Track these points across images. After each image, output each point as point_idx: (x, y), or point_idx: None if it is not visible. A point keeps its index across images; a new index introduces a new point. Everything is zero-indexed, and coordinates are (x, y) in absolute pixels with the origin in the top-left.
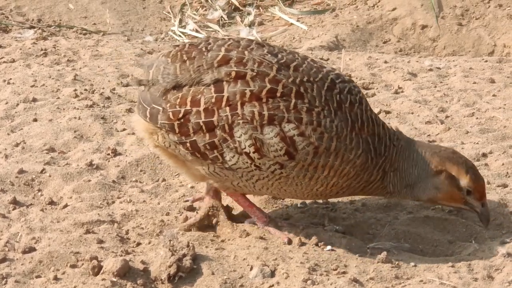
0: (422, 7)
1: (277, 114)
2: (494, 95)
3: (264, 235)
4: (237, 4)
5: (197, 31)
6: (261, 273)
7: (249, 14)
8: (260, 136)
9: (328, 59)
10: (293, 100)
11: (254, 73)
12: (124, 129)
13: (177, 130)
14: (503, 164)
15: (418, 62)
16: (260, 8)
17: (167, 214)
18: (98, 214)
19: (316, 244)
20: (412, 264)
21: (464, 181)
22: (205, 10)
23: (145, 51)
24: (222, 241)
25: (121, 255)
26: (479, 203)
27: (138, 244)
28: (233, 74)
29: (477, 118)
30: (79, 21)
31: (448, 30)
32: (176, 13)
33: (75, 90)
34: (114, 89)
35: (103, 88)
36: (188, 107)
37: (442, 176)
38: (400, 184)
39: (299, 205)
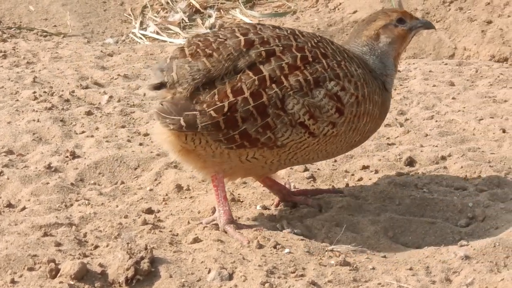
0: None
1: (319, 76)
2: (453, 98)
3: (222, 238)
4: (198, 6)
5: (158, 33)
6: (219, 276)
7: (210, 16)
8: (312, 100)
9: None
10: (323, 60)
11: (281, 47)
12: (83, 132)
13: (223, 126)
14: (462, 167)
15: None
16: (221, 10)
17: (126, 216)
18: (56, 217)
19: (274, 247)
20: (370, 267)
21: (392, 18)
22: (166, 12)
23: (105, 53)
24: (180, 243)
25: (79, 258)
26: (415, 21)
27: (96, 247)
28: (264, 54)
29: (436, 121)
30: (40, 23)
31: None
32: (137, 15)
33: (34, 92)
34: (73, 91)
35: (63, 91)
36: (232, 99)
37: (383, 36)
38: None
39: (258, 207)
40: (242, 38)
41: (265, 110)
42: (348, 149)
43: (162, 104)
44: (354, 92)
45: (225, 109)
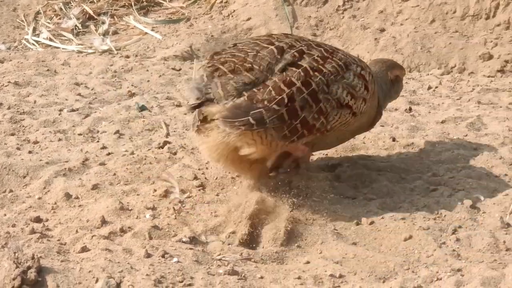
0: (276, 17)
1: (346, 60)
2: None
3: (110, 247)
4: (91, 13)
5: (51, 39)
6: (106, 285)
7: (103, 23)
8: (347, 81)
9: (180, 69)
10: (338, 51)
11: (305, 47)
12: None
13: (286, 117)
14: (351, 176)
15: None
16: (114, 17)
17: (13, 225)
18: None
19: (163, 256)
20: (259, 276)
21: (402, 74)
22: (59, 18)
23: None
24: (68, 252)
25: None
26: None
27: None
28: (296, 54)
29: None
30: None
31: None
32: (30, 21)
33: None
34: None
35: None
36: (288, 90)
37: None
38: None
39: (147, 216)
40: (272, 47)
41: (316, 96)
42: (361, 130)
43: (222, 113)
44: (367, 69)
45: (286, 101)
